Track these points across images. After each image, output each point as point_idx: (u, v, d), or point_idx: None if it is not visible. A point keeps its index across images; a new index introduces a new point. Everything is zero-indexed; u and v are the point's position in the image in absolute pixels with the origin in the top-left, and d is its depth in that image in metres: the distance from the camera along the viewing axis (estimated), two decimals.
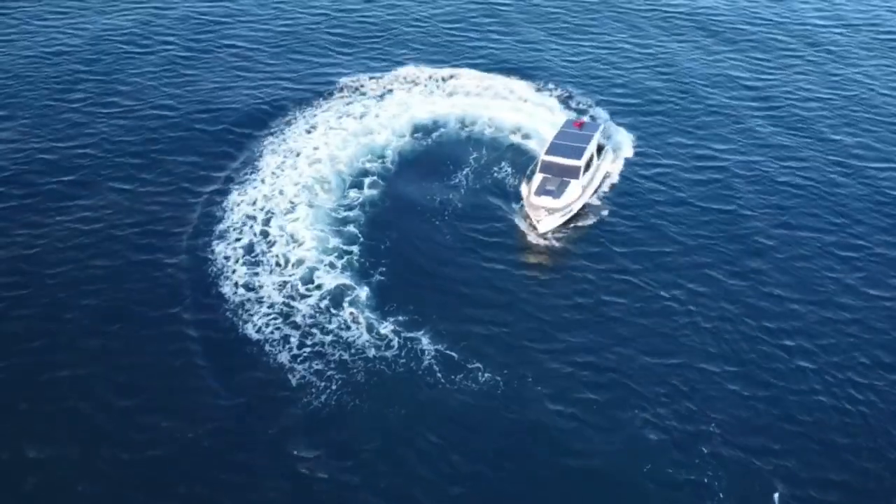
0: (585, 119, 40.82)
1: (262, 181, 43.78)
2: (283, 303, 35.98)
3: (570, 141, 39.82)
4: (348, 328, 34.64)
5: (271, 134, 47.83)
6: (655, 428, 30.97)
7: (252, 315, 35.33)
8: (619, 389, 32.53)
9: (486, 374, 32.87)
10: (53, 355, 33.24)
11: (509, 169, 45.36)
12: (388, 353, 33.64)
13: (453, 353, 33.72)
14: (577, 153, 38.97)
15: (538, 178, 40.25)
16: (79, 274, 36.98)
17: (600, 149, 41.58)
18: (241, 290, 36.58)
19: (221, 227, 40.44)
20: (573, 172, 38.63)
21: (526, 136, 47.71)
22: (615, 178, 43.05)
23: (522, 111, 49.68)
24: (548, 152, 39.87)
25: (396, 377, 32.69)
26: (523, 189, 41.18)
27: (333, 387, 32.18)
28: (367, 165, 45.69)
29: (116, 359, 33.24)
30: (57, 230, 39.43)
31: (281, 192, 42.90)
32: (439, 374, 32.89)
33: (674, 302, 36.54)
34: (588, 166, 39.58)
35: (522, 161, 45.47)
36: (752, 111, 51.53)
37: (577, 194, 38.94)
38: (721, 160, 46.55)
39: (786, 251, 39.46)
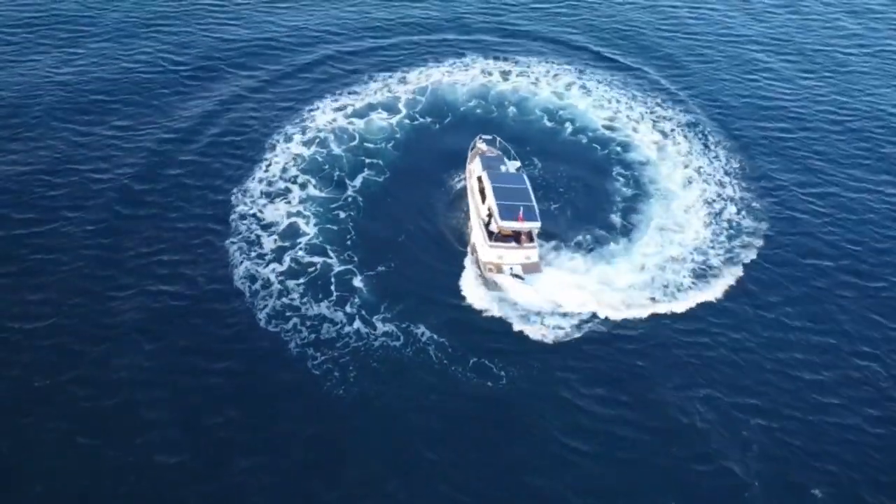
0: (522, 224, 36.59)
1: (266, 169, 42.74)
2: (290, 295, 35.47)
3: (508, 184, 38.35)
4: (351, 321, 34.38)
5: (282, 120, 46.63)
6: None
7: (261, 310, 34.78)
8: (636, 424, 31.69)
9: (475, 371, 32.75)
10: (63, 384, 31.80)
11: (539, 164, 43.92)
12: (396, 344, 33.57)
13: (449, 349, 33.49)
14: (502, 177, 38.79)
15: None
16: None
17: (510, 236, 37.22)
18: (249, 286, 35.89)
19: (228, 220, 39.53)
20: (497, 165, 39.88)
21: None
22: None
23: None
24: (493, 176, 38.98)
25: (403, 370, 32.69)
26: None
27: (350, 379, 32.11)
28: (380, 147, 44.62)
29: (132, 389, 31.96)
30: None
31: (282, 179, 42.02)
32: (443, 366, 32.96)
33: (690, 336, 35.46)
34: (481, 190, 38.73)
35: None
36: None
37: (475, 172, 39.82)
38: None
39: (805, 283, 38.33)
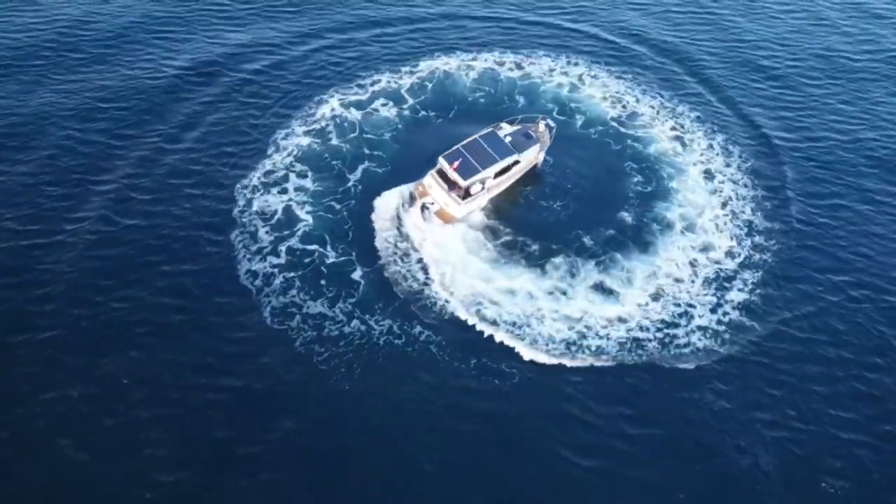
0: (450, 171, 39.34)
1: (270, 163, 42.57)
2: (292, 291, 35.62)
3: (487, 146, 40.68)
4: (351, 317, 34.71)
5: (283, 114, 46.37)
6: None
7: (266, 307, 35.08)
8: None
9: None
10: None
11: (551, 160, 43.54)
12: (398, 342, 33.98)
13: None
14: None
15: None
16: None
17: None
18: (252, 282, 36.09)
19: (232, 216, 39.47)
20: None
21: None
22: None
23: None
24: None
25: (407, 368, 33.21)
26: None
27: (356, 376, 32.61)
28: (383, 139, 44.49)
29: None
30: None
31: (286, 172, 41.96)
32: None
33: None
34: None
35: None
36: None
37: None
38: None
39: (816, 295, 37.87)
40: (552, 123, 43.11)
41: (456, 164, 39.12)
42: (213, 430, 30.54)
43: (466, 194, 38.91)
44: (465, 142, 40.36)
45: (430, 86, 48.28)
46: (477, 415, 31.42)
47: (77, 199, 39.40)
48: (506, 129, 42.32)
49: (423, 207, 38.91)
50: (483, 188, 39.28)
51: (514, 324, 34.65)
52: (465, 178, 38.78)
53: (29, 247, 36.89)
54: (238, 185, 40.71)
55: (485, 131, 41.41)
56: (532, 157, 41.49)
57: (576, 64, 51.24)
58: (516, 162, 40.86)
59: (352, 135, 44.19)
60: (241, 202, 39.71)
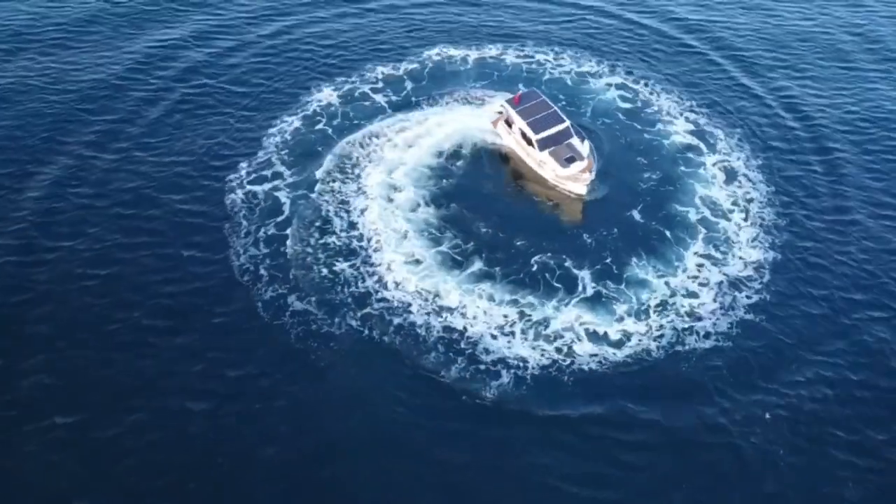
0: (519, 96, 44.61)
1: (263, 153, 42.31)
2: (287, 284, 35.43)
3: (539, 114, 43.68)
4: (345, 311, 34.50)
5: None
6: None
7: (257, 302, 34.87)
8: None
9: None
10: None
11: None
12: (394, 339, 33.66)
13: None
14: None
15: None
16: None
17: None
18: (243, 277, 35.94)
19: (227, 209, 39.29)
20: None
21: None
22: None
23: None
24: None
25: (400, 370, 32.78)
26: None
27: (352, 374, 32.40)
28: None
29: None
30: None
31: (273, 158, 41.89)
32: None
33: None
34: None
35: None
36: None
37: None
38: None
39: (824, 305, 36.65)
40: (593, 181, 41.43)
41: (518, 95, 44.47)
42: (218, 446, 30.11)
43: (509, 123, 44.04)
44: (552, 104, 43.87)
45: (427, 71, 47.76)
46: (468, 421, 30.84)
47: (72, 214, 38.85)
48: (577, 142, 42.04)
49: (503, 107, 44.99)
50: (510, 132, 43.70)
51: (501, 327, 33.84)
52: (507, 104, 44.12)
53: (21, 264, 36.31)
54: (232, 176, 40.55)
55: (567, 119, 42.91)
56: (547, 166, 41.20)
57: (585, 54, 50.24)
58: (531, 143, 41.65)
59: (337, 122, 43.83)
60: (233, 199, 39.44)
